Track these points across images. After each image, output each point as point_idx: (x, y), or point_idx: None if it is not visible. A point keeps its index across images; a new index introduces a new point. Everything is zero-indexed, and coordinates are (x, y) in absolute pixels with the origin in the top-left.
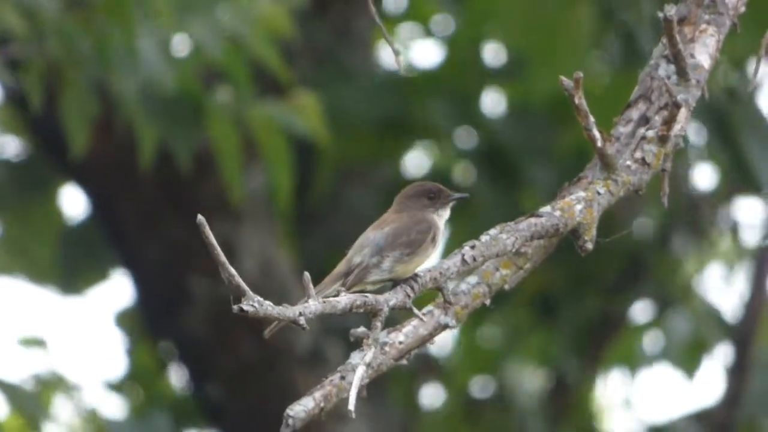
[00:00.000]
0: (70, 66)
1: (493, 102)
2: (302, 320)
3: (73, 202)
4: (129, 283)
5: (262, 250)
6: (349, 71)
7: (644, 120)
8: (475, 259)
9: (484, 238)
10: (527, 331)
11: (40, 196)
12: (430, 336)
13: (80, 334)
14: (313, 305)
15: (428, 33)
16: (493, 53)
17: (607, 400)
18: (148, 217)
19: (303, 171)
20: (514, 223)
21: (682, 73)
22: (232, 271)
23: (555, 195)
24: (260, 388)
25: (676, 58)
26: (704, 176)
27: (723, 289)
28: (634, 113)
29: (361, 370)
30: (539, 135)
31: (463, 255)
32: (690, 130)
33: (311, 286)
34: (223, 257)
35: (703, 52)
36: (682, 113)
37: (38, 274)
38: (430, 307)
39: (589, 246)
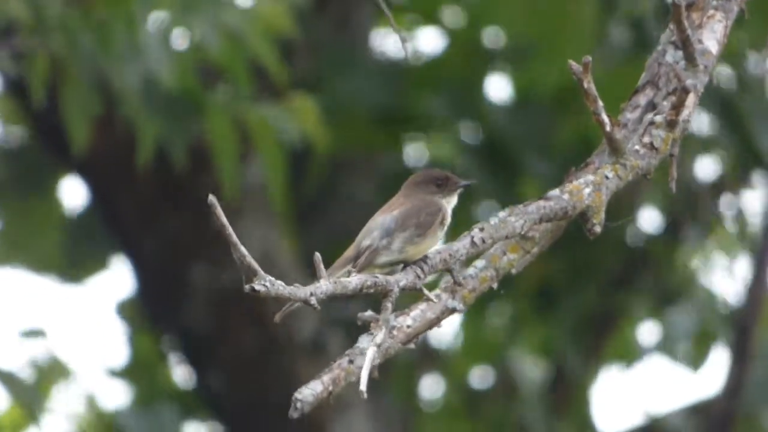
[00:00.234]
0: (72, 61)
1: (494, 92)
2: (313, 300)
3: (74, 193)
4: (129, 274)
5: (262, 243)
6: (349, 62)
7: (652, 106)
8: (484, 241)
9: (493, 220)
10: (528, 322)
11: (41, 187)
12: (438, 320)
13: (81, 324)
14: (324, 285)
15: (430, 21)
16: (496, 43)
17: (607, 392)
18: (148, 209)
19: (301, 163)
20: (523, 206)
21: (690, 59)
22: (244, 250)
23: (556, 185)
24: (261, 378)
25: (684, 44)
26: (706, 166)
27: (724, 279)
28: (642, 99)
29: (372, 350)
30: (540, 127)
31: (473, 237)
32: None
33: (322, 266)
34: (234, 237)
35: (711, 38)
36: (691, 98)
37: (39, 265)
38: (437, 291)
39: (598, 229)
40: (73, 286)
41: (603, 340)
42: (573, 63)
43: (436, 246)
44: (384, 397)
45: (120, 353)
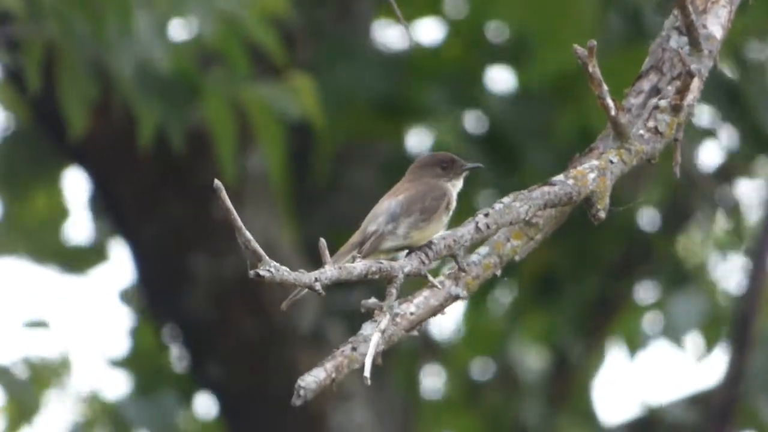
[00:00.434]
0: (67, 47)
1: (495, 82)
2: (318, 285)
3: (75, 183)
4: (130, 263)
5: (263, 231)
6: (350, 50)
7: (655, 91)
8: (488, 227)
9: (497, 206)
10: (529, 310)
11: (42, 175)
12: (441, 307)
13: (82, 315)
14: (329, 271)
15: (431, 11)
16: (497, 34)
17: (608, 382)
18: (148, 197)
19: (303, 151)
20: (527, 192)
21: (694, 44)
22: (249, 235)
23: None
24: (262, 368)
25: (689, 29)
26: (707, 155)
27: (724, 267)
28: (646, 84)
29: (376, 337)
30: (541, 117)
31: (477, 223)
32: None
33: (327, 252)
34: (239, 222)
35: (716, 23)
36: (695, 83)
37: (40, 255)
38: (441, 278)
39: (602, 215)
40: (76, 277)
41: (605, 328)
42: (578, 47)
43: (440, 231)
44: (385, 387)
45: (121, 343)
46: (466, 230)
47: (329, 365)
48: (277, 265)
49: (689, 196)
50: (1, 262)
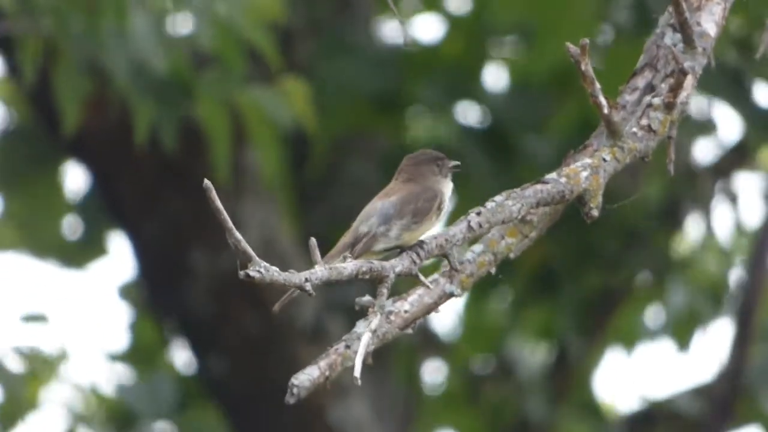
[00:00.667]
0: (63, 43)
1: (493, 78)
2: (308, 286)
3: (75, 178)
4: (130, 258)
5: (263, 225)
6: (349, 45)
7: (650, 88)
8: (481, 226)
9: (489, 204)
10: (528, 305)
11: (43, 170)
12: (436, 305)
13: (82, 309)
14: (319, 271)
15: (431, 7)
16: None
17: (609, 376)
18: (148, 192)
19: (303, 144)
20: (519, 190)
21: (688, 41)
22: (239, 236)
23: (554, 168)
24: (262, 362)
25: (683, 26)
26: (704, 149)
27: (724, 261)
28: (640, 81)
29: (366, 337)
30: (539, 111)
31: (469, 221)
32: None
33: (317, 252)
34: (229, 222)
35: (710, 20)
36: (689, 81)
37: (42, 249)
38: (435, 276)
39: (595, 213)
40: (75, 271)
41: (605, 322)
42: (571, 45)
43: (432, 231)
44: (385, 382)
45: (121, 338)
46: (458, 229)
47: (323, 363)
48: (267, 265)
49: (687, 189)
50: (1, 257)
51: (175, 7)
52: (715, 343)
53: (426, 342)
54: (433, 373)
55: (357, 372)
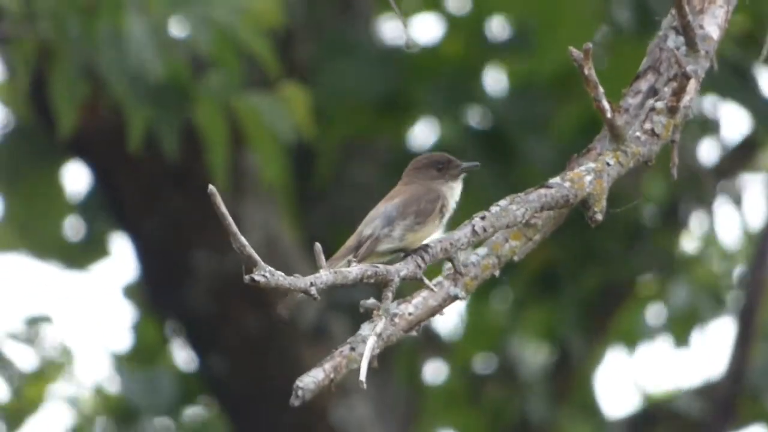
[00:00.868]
0: (60, 46)
1: (494, 80)
2: (313, 290)
3: (76, 178)
4: (132, 258)
5: (265, 226)
6: (350, 46)
7: (653, 91)
8: (485, 230)
9: (494, 209)
10: (530, 306)
11: (44, 171)
12: (440, 307)
13: (85, 310)
14: (324, 275)
15: (431, 8)
16: (497, 28)
17: (611, 376)
18: (149, 192)
19: (305, 146)
20: (524, 194)
21: (691, 44)
22: (244, 241)
23: (556, 171)
24: (264, 363)
25: (685, 29)
26: (708, 150)
27: (727, 261)
28: (643, 85)
29: (372, 341)
30: (540, 113)
31: (474, 226)
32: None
33: (322, 256)
34: (234, 227)
35: (712, 24)
36: (692, 84)
37: (42, 250)
38: (439, 279)
39: (599, 217)
40: (76, 272)
41: (607, 323)
42: (573, 50)
43: (436, 233)
44: (387, 382)
45: (124, 339)
46: (462, 233)
47: (328, 366)
48: (272, 269)
49: (690, 190)
50: (3, 258)
51: (173, 12)
52: (717, 343)
53: (427, 342)
54: (435, 373)
55: (363, 375)
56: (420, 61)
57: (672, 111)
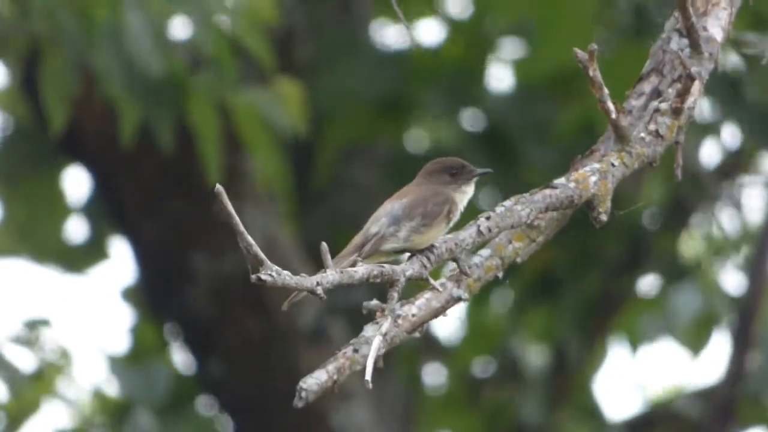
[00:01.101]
0: (52, 43)
1: (495, 81)
2: (320, 290)
3: (76, 181)
4: (131, 262)
5: (264, 229)
6: (351, 48)
7: (656, 93)
8: (490, 230)
9: (499, 209)
10: (530, 308)
11: (44, 174)
12: (443, 309)
13: (83, 313)
14: (330, 275)
15: (432, 12)
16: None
17: (611, 379)
18: (149, 195)
19: (304, 148)
20: (529, 195)
21: (695, 46)
22: (250, 240)
23: (557, 173)
24: (263, 366)
25: (689, 31)
26: (709, 152)
27: (726, 265)
28: (647, 86)
29: (378, 340)
30: (541, 114)
31: (479, 226)
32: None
33: (329, 256)
34: (241, 227)
35: (716, 25)
36: (696, 86)
37: (41, 254)
38: (442, 280)
39: (604, 218)
40: (76, 276)
41: (607, 325)
42: (578, 51)
43: (442, 236)
44: (387, 385)
45: (122, 342)
46: (467, 234)
47: (331, 367)
48: (279, 269)
49: (691, 193)
50: (2, 262)
51: (170, 8)
52: (716, 346)
53: (427, 345)
54: (434, 375)
55: (368, 375)
56: (421, 63)
57: (676, 112)
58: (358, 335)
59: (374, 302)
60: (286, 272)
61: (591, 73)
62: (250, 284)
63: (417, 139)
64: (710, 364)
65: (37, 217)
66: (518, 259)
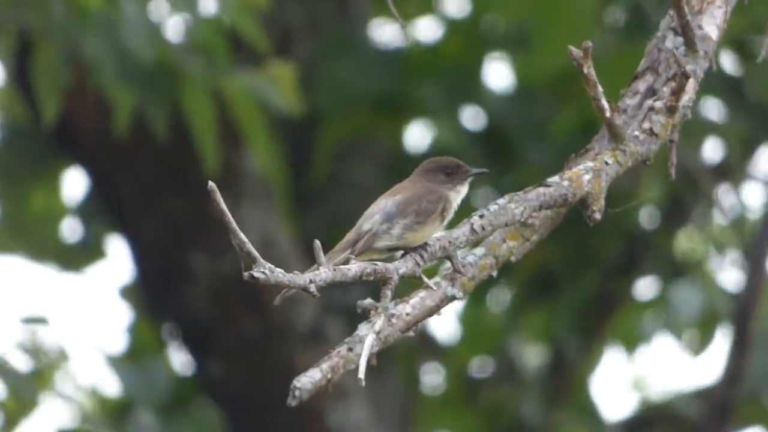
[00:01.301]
0: (43, 33)
1: (493, 79)
2: (312, 287)
3: (73, 180)
4: (129, 261)
5: (262, 227)
6: (349, 46)
7: (651, 92)
8: (483, 228)
9: (492, 207)
10: (527, 308)
11: (41, 174)
12: (437, 307)
13: (81, 312)
14: (323, 273)
15: (429, 10)
16: (495, 29)
17: (609, 378)
18: (148, 193)
19: (302, 147)
20: (522, 193)
21: (690, 45)
22: (243, 237)
23: (554, 172)
24: (261, 365)
25: (684, 30)
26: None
27: (723, 264)
28: (641, 85)
29: (371, 338)
30: (540, 113)
31: (472, 224)
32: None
33: (321, 254)
34: (234, 224)
35: (711, 24)
36: (691, 84)
37: (38, 253)
38: (436, 279)
39: (598, 216)
40: (72, 275)
41: (604, 325)
42: (573, 48)
43: (436, 235)
44: (384, 384)
45: (119, 341)
46: (461, 232)
47: (325, 366)
48: (272, 266)
49: (688, 192)
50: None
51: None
52: (715, 346)
53: (425, 344)
54: (432, 375)
55: (361, 374)
56: (419, 61)
57: (671, 111)
58: (353, 334)
59: (368, 301)
60: (279, 270)
61: (585, 70)
62: (248, 284)
63: (415, 137)
64: (708, 363)
65: (34, 216)
66: (512, 258)
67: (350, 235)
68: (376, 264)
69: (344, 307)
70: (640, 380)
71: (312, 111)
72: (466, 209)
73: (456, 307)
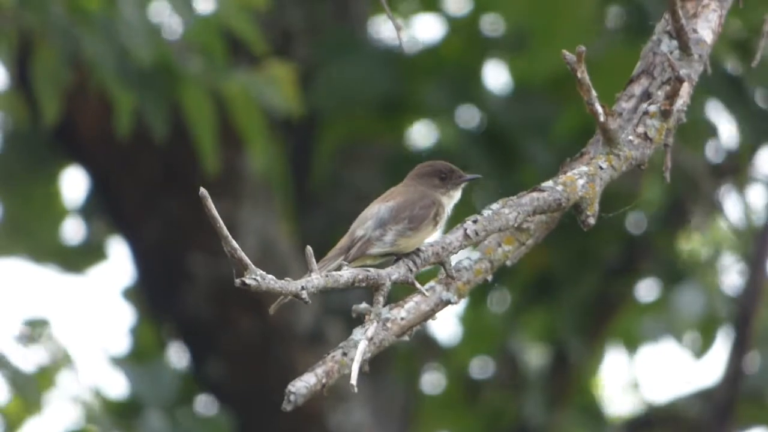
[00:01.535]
0: (44, 34)
1: (493, 80)
2: (304, 294)
3: (74, 182)
4: (129, 262)
5: (262, 230)
6: (349, 47)
7: (647, 95)
8: (477, 234)
9: (486, 212)
10: (528, 309)
11: (42, 175)
12: (432, 312)
13: (83, 314)
14: (315, 279)
15: (430, 8)
16: (495, 30)
17: (610, 379)
18: (148, 195)
19: (303, 149)
20: (516, 198)
21: (684, 48)
22: (235, 244)
23: (555, 172)
24: (260, 367)
25: (679, 33)
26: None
27: (724, 266)
28: (637, 89)
29: (363, 345)
30: (539, 114)
31: (466, 229)
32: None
33: (314, 260)
34: (225, 231)
35: (706, 27)
36: (685, 88)
37: (40, 254)
38: (432, 283)
39: (591, 221)
40: (75, 277)
41: (605, 326)
42: (566, 53)
43: (429, 240)
44: (385, 386)
45: (121, 342)
46: (454, 237)
47: (320, 370)
48: (263, 273)
49: (689, 194)
50: (1, 263)
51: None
52: (716, 347)
53: (425, 346)
54: (432, 376)
55: (353, 379)
56: (419, 62)
57: (665, 115)
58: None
59: (363, 305)
60: (270, 276)
61: (579, 75)
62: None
63: (416, 138)
64: (710, 364)
65: (35, 218)
66: (508, 263)
67: (343, 241)
68: (368, 270)
69: (344, 309)
70: (642, 381)
71: (312, 112)
72: (466, 210)
73: (456, 308)
